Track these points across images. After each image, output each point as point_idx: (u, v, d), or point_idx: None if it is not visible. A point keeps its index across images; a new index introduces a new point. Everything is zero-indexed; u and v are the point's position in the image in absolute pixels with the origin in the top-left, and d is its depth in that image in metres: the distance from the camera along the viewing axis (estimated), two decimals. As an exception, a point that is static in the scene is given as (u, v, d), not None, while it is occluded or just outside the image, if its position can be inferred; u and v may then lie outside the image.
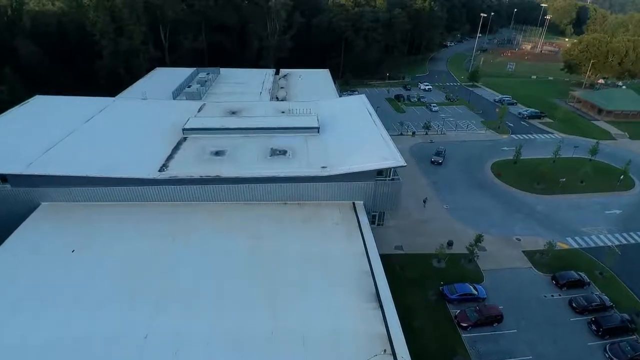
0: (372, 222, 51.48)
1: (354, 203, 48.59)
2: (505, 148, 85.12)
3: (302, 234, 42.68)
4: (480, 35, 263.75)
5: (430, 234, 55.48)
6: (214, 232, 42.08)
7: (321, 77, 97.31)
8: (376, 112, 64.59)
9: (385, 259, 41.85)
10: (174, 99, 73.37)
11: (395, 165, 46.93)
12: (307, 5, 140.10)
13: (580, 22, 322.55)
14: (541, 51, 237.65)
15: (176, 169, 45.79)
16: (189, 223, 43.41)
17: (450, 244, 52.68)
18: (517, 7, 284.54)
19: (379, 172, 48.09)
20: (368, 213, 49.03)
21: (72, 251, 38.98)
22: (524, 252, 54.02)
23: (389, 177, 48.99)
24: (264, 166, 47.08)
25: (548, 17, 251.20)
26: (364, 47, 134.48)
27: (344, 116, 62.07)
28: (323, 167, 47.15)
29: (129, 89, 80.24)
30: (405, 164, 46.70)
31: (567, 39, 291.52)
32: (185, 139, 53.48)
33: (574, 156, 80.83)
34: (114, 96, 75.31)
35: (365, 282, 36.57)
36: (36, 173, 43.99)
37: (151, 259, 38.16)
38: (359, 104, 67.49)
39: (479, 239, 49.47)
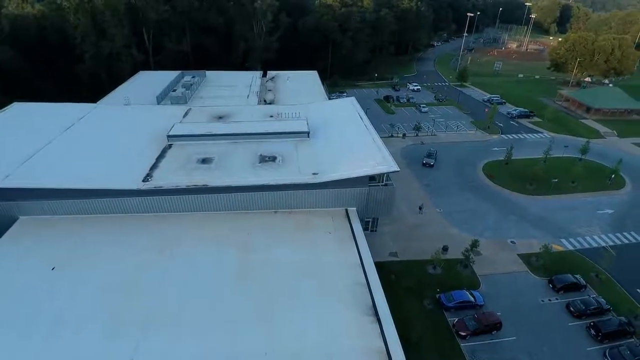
0: (365, 229, 50.15)
1: (346, 210, 47.21)
2: (495, 148, 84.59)
3: (294, 245, 41.10)
4: (466, 34, 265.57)
5: (425, 238, 54.38)
6: (202, 245, 40.27)
7: (309, 79, 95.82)
8: (366, 113, 63.52)
9: (380, 266, 40.62)
10: (158, 103, 71.25)
11: (388, 170, 45.60)
12: (293, 6, 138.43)
13: (563, 20, 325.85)
14: (527, 50, 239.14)
15: (161, 179, 43.90)
16: (176, 236, 41.55)
17: (445, 249, 51.61)
18: (502, 7, 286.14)
19: (372, 178, 46.85)
20: (361, 219, 47.63)
21: (52, 269, 36.99)
22: (519, 255, 53.21)
23: (382, 182, 47.76)
24: (253, 174, 45.42)
25: (533, 16, 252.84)
26: (351, 47, 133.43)
27: (334, 120, 60.67)
28: (314, 174, 45.63)
29: (112, 94, 77.82)
30: (399, 169, 45.47)
31: (551, 37, 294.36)
32: (170, 146, 51.60)
33: (564, 155, 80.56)
34: (96, 101, 73.01)
35: (361, 295, 35.16)
36: (13, 186, 41.78)
37: (136, 277, 36.25)
38: (349, 106, 66.14)
39: (474, 244, 48.47)
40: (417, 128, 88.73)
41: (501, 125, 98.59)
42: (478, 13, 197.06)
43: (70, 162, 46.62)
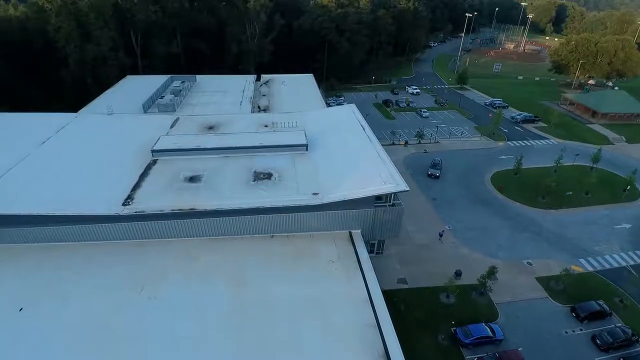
0: (370, 251, 45.65)
1: (350, 233, 42.76)
2: (503, 157, 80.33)
3: (293, 277, 36.57)
4: (462, 35, 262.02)
5: (435, 261, 49.98)
6: (189, 279, 35.59)
7: (305, 83, 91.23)
8: (365, 119, 59.41)
9: (388, 295, 36.64)
10: (145, 112, 66.40)
11: (396, 190, 41.19)
12: (288, 7, 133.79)
13: (559, 20, 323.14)
14: (524, 50, 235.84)
15: (143, 202, 39.19)
16: (159, 268, 36.84)
17: (458, 274, 47.21)
18: (497, 6, 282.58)
19: (378, 197, 42.45)
20: (366, 242, 43.30)
21: (20, 310, 32.24)
22: (537, 279, 48.86)
23: (389, 202, 43.37)
24: (247, 195, 40.83)
25: (530, 16, 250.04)
26: (348, 49, 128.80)
27: (334, 130, 56.22)
28: (314, 194, 41.13)
29: (96, 100, 72.72)
30: (408, 189, 40.96)
31: (547, 38, 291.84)
32: (155, 162, 46.95)
33: (575, 164, 76.47)
34: (81, 107, 68.55)
35: (371, 338, 30.63)
36: (-24, 212, 37.08)
37: (114, 319, 31.55)
38: (349, 114, 61.72)
39: (492, 271, 43.99)
40: (420, 135, 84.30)
41: (506, 131, 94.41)
42: (475, 13, 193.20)
43: (44, 182, 41.97)
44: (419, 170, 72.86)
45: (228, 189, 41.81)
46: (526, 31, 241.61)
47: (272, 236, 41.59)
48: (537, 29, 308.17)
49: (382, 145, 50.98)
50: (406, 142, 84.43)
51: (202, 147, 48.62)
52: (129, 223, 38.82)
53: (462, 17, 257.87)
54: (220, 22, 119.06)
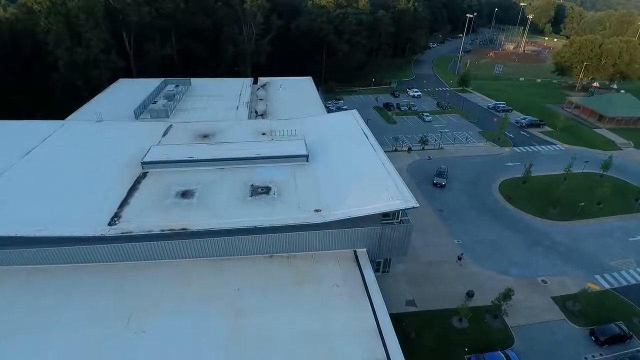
0: (376, 270, 42.80)
1: (355, 252, 39.69)
2: (509, 163, 77.44)
3: (294, 304, 33.43)
4: (460, 35, 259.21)
5: (445, 279, 47.00)
6: (181, 308, 32.38)
7: (304, 86, 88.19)
8: (366, 124, 56.60)
9: (396, 319, 33.75)
10: (136, 118, 63.19)
11: (405, 206, 38.20)
12: (285, 7, 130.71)
13: (557, 20, 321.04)
14: (524, 51, 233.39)
15: (131, 221, 36.03)
16: (149, 294, 33.65)
17: (470, 295, 44.20)
18: (496, 7, 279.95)
19: (385, 214, 39.42)
20: (372, 260, 40.34)
21: (-5, 345, 29.09)
22: (553, 299, 45.95)
23: (397, 219, 40.35)
24: (244, 212, 37.75)
25: (530, 16, 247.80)
26: (347, 51, 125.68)
27: (336, 138, 53.21)
28: (317, 211, 38.12)
29: (86, 106, 69.29)
30: (418, 205, 37.96)
31: (546, 38, 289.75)
32: (145, 174, 43.79)
33: (584, 171, 73.69)
34: (72, 111, 65.58)
35: (381, 378, 27.66)
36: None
37: (98, 355, 28.41)
38: (351, 121, 58.79)
39: (507, 293, 40.97)
40: (424, 141, 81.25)
41: (511, 136, 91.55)
42: (474, 14, 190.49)
43: (25, 199, 38.63)
44: (423, 178, 69.89)
45: (223, 205, 38.71)
46: (526, 32, 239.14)
47: (271, 256, 38.52)
48: (535, 29, 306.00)
49: (384, 151, 48.39)
50: (409, 149, 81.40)
51: (195, 158, 45.48)
52: (116, 245, 35.64)
53: (461, 18, 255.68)
54: (216, 23, 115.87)
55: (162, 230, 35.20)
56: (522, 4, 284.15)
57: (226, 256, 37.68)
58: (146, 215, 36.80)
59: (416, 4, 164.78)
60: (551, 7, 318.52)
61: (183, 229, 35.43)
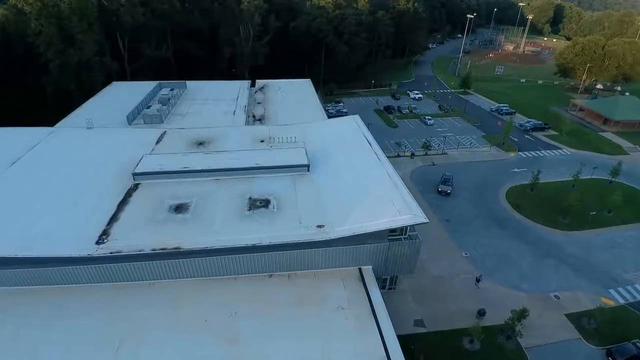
0: (382, 287, 40.55)
1: (360, 270, 37.31)
2: (516, 169, 75.12)
3: (296, 329, 30.93)
4: (460, 35, 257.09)
5: (454, 296, 44.62)
6: (172, 336, 29.83)
7: (303, 89, 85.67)
8: (368, 128, 54.56)
9: (404, 341, 31.30)
10: (129, 124, 60.60)
11: (414, 222, 35.82)
12: (283, 8, 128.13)
13: (556, 20, 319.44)
14: (524, 52, 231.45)
15: (121, 239, 33.55)
16: (140, 320, 31.11)
17: (481, 313, 41.85)
18: (494, 7, 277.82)
19: (392, 229, 37.01)
20: (378, 278, 38.03)
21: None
22: (567, 316, 43.64)
23: (405, 234, 37.96)
24: (241, 228, 35.34)
25: (530, 17, 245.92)
26: (347, 52, 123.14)
27: (338, 145, 50.85)
28: (319, 227, 35.76)
29: (77, 110, 66.61)
30: (427, 220, 35.60)
31: (545, 38, 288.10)
32: (136, 186, 41.32)
33: (592, 177, 71.45)
34: (65, 115, 63.15)
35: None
36: None
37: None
38: (353, 127, 56.46)
39: (522, 314, 38.57)
40: (427, 146, 78.84)
41: (516, 140, 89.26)
42: (474, 14, 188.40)
43: (7, 215, 35.99)
44: (428, 185, 67.46)
45: (219, 221, 36.28)
46: (526, 32, 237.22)
47: (270, 275, 36.09)
48: (534, 30, 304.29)
49: (387, 157, 46.53)
50: (412, 154, 78.96)
51: (190, 169, 42.98)
52: (105, 265, 33.14)
53: (459, 18, 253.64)
54: (213, 24, 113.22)
55: (154, 250, 32.73)
56: (520, 4, 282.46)
57: (222, 275, 35.24)
58: (137, 233, 34.36)
59: (416, 4, 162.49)
60: (550, 7, 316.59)
61: (176, 248, 32.97)
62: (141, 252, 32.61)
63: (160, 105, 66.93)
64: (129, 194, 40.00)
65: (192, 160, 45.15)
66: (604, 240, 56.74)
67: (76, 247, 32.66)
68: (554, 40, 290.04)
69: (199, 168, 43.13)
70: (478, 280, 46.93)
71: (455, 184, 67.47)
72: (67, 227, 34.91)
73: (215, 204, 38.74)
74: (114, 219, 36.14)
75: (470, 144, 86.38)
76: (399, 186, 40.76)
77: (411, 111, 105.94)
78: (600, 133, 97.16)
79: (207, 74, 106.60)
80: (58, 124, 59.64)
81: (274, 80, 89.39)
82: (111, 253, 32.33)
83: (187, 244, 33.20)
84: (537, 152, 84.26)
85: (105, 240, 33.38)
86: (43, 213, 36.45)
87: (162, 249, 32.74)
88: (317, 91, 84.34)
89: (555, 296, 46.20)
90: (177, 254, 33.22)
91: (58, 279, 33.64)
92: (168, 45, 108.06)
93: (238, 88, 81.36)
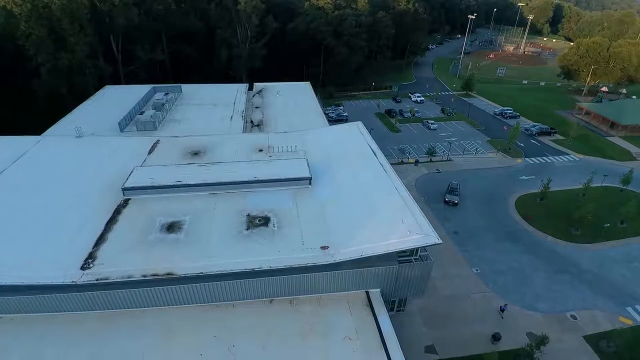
0: (390, 309, 37.92)
1: (367, 293, 34.63)
2: (523, 177, 72.51)
3: (300, 365, 28.34)
4: (459, 36, 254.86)
5: (466, 318, 41.99)
6: (164, 375, 27.21)
7: (302, 92, 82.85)
8: (369, 133, 52.01)
9: None
10: (121, 131, 57.79)
11: (426, 243, 33.12)
12: (281, 9, 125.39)
13: (555, 20, 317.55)
14: (524, 53, 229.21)
15: (108, 263, 30.71)
16: (128, 352, 28.40)
17: (497, 338, 39.19)
18: (493, 7, 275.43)
19: (402, 250, 34.32)
20: (386, 301, 35.36)
21: None
22: (585, 338, 41.12)
23: (416, 254, 35.25)
24: (239, 250, 32.51)
25: (530, 17, 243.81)
26: (346, 54, 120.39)
27: (341, 156, 48.09)
28: (323, 248, 33.00)
29: (68, 116, 63.64)
30: (440, 241, 32.98)
31: (545, 39, 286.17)
32: (126, 202, 38.50)
33: (603, 185, 68.94)
34: (57, 120, 60.77)
35: None
36: None
37: None
38: (356, 136, 53.73)
39: (542, 341, 35.95)
40: (431, 152, 76.14)
41: (522, 145, 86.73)
42: (475, 15, 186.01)
43: (-17, 236, 33.21)
44: (433, 195, 64.77)
45: (215, 242, 33.46)
46: (526, 32, 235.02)
47: (271, 301, 33.36)
48: (533, 30, 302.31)
49: (390, 164, 44.41)
50: (416, 161, 76.22)
51: (184, 183, 40.13)
52: (90, 293, 30.35)
53: (458, 18, 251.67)
54: (209, 26, 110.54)
55: (144, 276, 29.91)
56: (519, 4, 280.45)
57: (219, 302, 32.50)
58: (126, 256, 31.52)
59: (416, 4, 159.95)
60: (549, 7, 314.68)
61: (168, 274, 30.15)
62: (130, 279, 29.81)
63: (154, 110, 64.05)
64: (117, 211, 37.17)
65: (186, 173, 42.30)
66: (619, 254, 54.21)
67: (59, 273, 29.79)
68: (554, 40, 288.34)
69: (194, 182, 40.26)
70: (502, 310, 43.40)
71: (462, 193, 64.76)
72: (50, 249, 32.10)
73: (210, 222, 35.95)
74: (101, 239, 33.32)
75: (476, 149, 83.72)
76: (408, 201, 38.12)
77: (413, 115, 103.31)
78: (608, 138, 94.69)
79: (204, 77, 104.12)
80: (47, 132, 56.95)
81: (272, 83, 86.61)
82: (97, 280, 29.49)
83: (180, 270, 30.36)
84: (544, 158, 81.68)
85: (91, 265, 30.55)
86: (23, 233, 33.61)
87: (152, 275, 29.91)
88: (316, 94, 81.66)
89: (572, 316, 43.63)
90: (170, 280, 30.45)
91: (39, 307, 30.85)
92: (163, 47, 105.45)
93: (235, 92, 78.39)
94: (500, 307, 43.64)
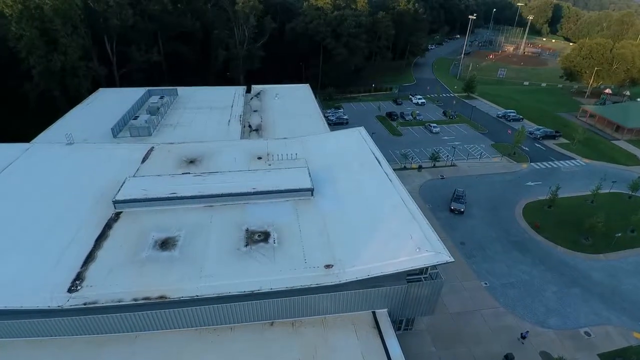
0: (397, 328, 36.02)
1: (374, 314, 32.62)
2: (530, 183, 70.51)
3: (304, 397, 26.30)
4: (458, 36, 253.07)
5: (477, 337, 39.95)
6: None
7: (301, 95, 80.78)
8: (371, 137, 50.37)
9: None
10: (114, 137, 55.57)
11: (437, 261, 31.06)
12: (279, 9, 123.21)
13: (554, 20, 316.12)
14: (524, 53, 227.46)
15: (97, 285, 28.60)
16: (116, 387, 26.38)
17: (509, 358, 37.19)
18: (492, 7, 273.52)
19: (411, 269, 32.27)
20: (394, 321, 33.41)
21: None
22: (600, 356, 39.14)
23: (425, 273, 33.19)
24: (237, 270, 30.39)
25: (530, 17, 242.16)
26: (346, 55, 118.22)
27: (343, 165, 46.05)
28: (328, 267, 30.96)
29: (60, 121, 61.45)
30: (453, 259, 30.93)
31: (544, 39, 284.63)
32: (117, 216, 36.38)
33: (612, 191, 67.05)
34: (50, 124, 58.80)
35: None
36: None
37: None
38: (359, 142, 51.64)
39: (560, 364, 34.12)
40: (435, 157, 74.03)
41: (527, 149, 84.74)
42: (475, 15, 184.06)
43: (-37, 256, 31.01)
44: (438, 202, 62.69)
45: (211, 261, 31.29)
46: (526, 33, 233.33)
47: (271, 323, 31.30)
48: (532, 30, 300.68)
49: (393, 170, 42.77)
50: (420, 167, 74.11)
51: (179, 195, 37.98)
52: (78, 317, 28.24)
53: (458, 18, 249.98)
54: (206, 26, 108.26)
55: (135, 300, 27.80)
56: (519, 4, 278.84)
57: (216, 325, 30.41)
58: (116, 276, 29.41)
59: (416, 4, 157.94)
60: (548, 7, 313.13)
61: (161, 297, 28.04)
62: (120, 303, 27.67)
63: (149, 115, 61.79)
64: (108, 226, 35.03)
65: (181, 184, 40.07)
66: (631, 264, 52.33)
67: (44, 296, 27.72)
68: (553, 40, 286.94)
69: (189, 194, 38.09)
70: (524, 337, 40.45)
71: (467, 200, 62.75)
72: (35, 268, 30.00)
73: (206, 237, 33.81)
74: (90, 258, 31.18)
75: (480, 154, 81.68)
76: (416, 214, 36.11)
77: (415, 117, 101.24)
78: (613, 141, 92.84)
79: (201, 79, 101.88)
80: (37, 138, 54.81)
81: (270, 85, 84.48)
82: (85, 304, 27.38)
83: (174, 293, 28.23)
84: (550, 162, 79.67)
85: (79, 287, 28.43)
86: (7, 250, 31.49)
87: (144, 299, 27.80)
88: (315, 96, 79.60)
89: (585, 332, 41.68)
90: (163, 303, 28.34)
91: (23, 331, 28.80)
92: (159, 48, 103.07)
93: (233, 94, 76.21)
94: (522, 334, 40.65)
